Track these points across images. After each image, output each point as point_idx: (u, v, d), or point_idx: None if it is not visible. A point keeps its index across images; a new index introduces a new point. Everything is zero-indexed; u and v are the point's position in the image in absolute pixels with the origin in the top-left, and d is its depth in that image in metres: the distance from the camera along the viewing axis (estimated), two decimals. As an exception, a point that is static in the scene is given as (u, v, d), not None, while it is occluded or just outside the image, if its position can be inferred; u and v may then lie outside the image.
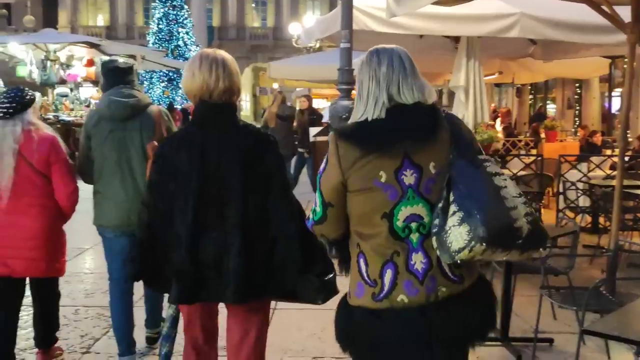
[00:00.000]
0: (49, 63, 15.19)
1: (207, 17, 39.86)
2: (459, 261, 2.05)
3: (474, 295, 2.19)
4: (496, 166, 2.15)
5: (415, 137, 2.14)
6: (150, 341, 4.24)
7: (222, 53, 2.79)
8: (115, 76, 3.86)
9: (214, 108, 2.72)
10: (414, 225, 2.12)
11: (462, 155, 2.14)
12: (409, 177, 2.12)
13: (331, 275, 2.74)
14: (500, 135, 11.43)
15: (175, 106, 24.00)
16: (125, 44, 22.09)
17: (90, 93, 17.94)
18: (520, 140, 11.73)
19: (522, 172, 8.02)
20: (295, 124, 11.46)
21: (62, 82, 16.13)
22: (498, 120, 14.16)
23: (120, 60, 4.27)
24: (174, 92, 30.23)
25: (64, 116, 14.89)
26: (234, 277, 2.60)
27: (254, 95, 53.03)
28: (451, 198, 2.08)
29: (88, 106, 17.01)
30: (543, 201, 8.69)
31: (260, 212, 2.67)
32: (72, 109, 16.02)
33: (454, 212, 2.05)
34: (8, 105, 3.58)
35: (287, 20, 41.20)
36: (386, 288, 2.14)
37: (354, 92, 7.19)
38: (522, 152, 10.47)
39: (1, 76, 16.80)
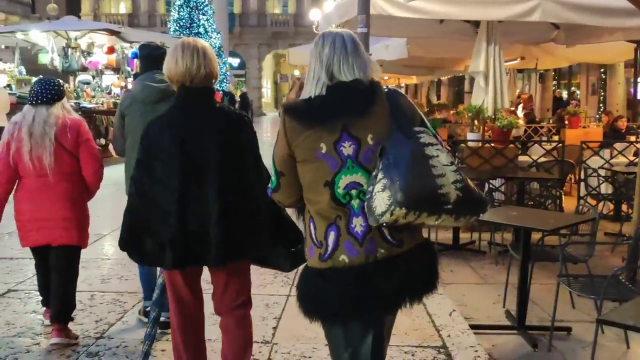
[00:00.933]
0: (70, 50, 15.27)
1: (228, 4, 39.73)
2: (383, 224, 2.23)
3: (412, 258, 2.34)
4: (431, 137, 2.28)
5: (352, 111, 2.32)
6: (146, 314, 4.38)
7: (202, 41, 3.04)
8: (149, 62, 4.25)
9: (194, 92, 2.98)
10: (354, 192, 2.29)
11: (399, 127, 2.30)
12: (347, 149, 2.30)
13: (300, 246, 2.90)
14: (521, 121, 11.28)
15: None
16: (145, 31, 22.17)
17: (112, 80, 17.97)
18: (542, 127, 11.56)
19: (543, 159, 7.90)
20: None
21: (84, 69, 16.19)
22: (520, 107, 13.96)
23: (154, 46, 4.51)
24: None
25: (85, 103, 14.96)
26: (214, 243, 2.88)
27: (275, 82, 53.03)
28: (380, 166, 2.24)
29: (109, 93, 17.08)
30: (564, 188, 8.56)
31: (236, 186, 2.94)
32: (93, 97, 16.09)
33: (380, 179, 2.21)
34: (49, 93, 4.06)
35: (308, 6, 41.00)
36: (330, 249, 2.33)
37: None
38: (544, 138, 10.33)
39: (24, 64, 16.91)
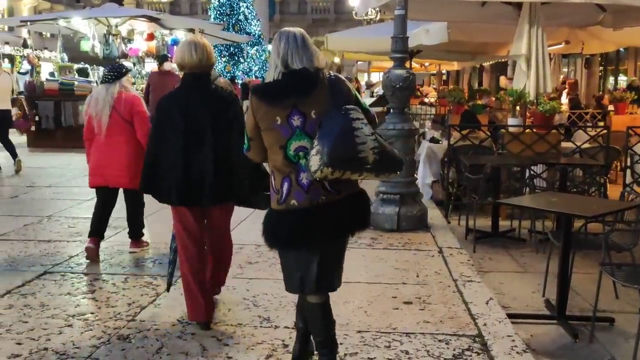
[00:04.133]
0: (110, 37, 15.39)
1: (268, -9, 39.71)
2: (317, 178, 2.95)
3: (347, 203, 3.10)
4: (359, 114, 2.97)
5: (300, 92, 3.03)
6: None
7: (204, 40, 4.06)
8: None
9: (198, 76, 4.00)
10: (301, 153, 3.01)
11: (335, 105, 2.99)
12: (296, 121, 3.01)
13: None
14: (565, 107, 10.96)
15: (236, 81, 24.06)
16: (184, 18, 22.29)
17: (152, 67, 18.08)
18: (586, 113, 11.22)
19: (587, 145, 7.64)
20: None
21: (124, 56, 16.29)
22: (565, 92, 13.58)
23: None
24: (235, 67, 30.34)
25: (125, 89, 15.08)
26: (208, 189, 3.92)
27: (315, 69, 52.80)
28: (317, 135, 2.94)
29: (148, 80, 17.17)
30: (609, 175, 8.27)
31: (225, 146, 3.91)
32: (133, 83, 16.18)
33: (314, 146, 2.93)
34: (110, 74, 5.42)
35: (348, -7, 40.70)
36: (284, 195, 3.07)
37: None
38: (588, 124, 10.00)
39: (67, 51, 17.16)
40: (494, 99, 12.19)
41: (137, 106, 5.43)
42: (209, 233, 4.17)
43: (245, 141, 3.23)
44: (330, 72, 3.20)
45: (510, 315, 4.32)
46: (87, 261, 5.52)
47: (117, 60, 15.90)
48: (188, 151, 3.90)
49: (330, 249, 3.17)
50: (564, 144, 7.75)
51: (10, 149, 10.85)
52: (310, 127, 3.00)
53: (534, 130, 7.56)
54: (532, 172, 7.09)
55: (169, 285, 4.50)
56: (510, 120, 7.92)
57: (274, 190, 3.13)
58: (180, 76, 4.22)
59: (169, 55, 12.34)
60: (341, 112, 2.94)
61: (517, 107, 7.87)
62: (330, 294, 3.28)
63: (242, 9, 30.51)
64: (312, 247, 3.09)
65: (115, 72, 5.43)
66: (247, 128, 3.18)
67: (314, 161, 2.89)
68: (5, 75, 11.65)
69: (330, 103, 3.00)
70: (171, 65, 11.18)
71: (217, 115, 3.92)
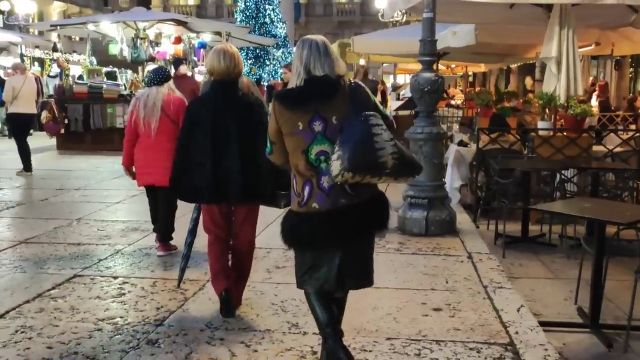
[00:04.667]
0: (138, 41, 15.51)
1: (294, -6, 39.76)
2: (338, 182, 3.08)
3: (367, 206, 3.21)
4: (378, 120, 3.09)
5: (321, 99, 3.15)
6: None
7: (234, 48, 4.28)
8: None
9: (226, 82, 4.21)
10: (322, 158, 3.14)
11: (355, 111, 3.11)
12: (317, 126, 3.14)
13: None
14: (595, 110, 10.80)
15: (262, 83, 24.12)
16: (211, 21, 22.38)
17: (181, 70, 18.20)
18: (617, 116, 11.04)
19: (619, 149, 7.51)
20: None
21: (151, 59, 16.41)
22: (594, 95, 13.38)
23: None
24: (260, 70, 30.41)
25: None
26: (235, 187, 4.16)
27: (341, 71, 52.77)
28: (337, 141, 3.07)
29: (177, 83, 17.28)
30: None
31: (250, 148, 4.12)
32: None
33: (335, 151, 3.06)
34: (158, 77, 5.65)
35: (374, -5, 40.66)
36: (305, 198, 3.21)
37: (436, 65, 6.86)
38: (620, 127, 9.84)
39: (95, 55, 17.33)
40: (521, 101, 12.06)
41: (183, 108, 5.53)
42: (234, 230, 4.38)
43: (268, 144, 3.36)
44: (350, 79, 3.38)
45: (542, 323, 4.25)
46: (116, 264, 5.56)
47: (146, 63, 16.06)
48: (216, 151, 4.15)
49: (351, 248, 3.28)
50: (595, 148, 7.63)
51: (25, 154, 10.94)
52: (331, 132, 3.12)
53: (565, 133, 7.44)
54: (563, 177, 6.98)
55: (180, 280, 4.81)
56: (540, 124, 7.81)
57: (295, 193, 3.26)
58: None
59: (183, 59, 12.26)
60: (361, 118, 3.06)
61: (547, 110, 7.75)
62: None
63: (267, 11, 30.54)
64: (332, 247, 3.23)
65: (162, 75, 5.69)
66: (270, 132, 3.31)
67: (335, 166, 3.02)
68: (30, 78, 11.80)
69: (351, 109, 3.12)
70: (186, 69, 11.13)
71: (242, 120, 4.18)
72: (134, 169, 5.81)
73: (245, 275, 4.50)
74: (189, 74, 15.78)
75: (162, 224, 5.90)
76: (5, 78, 11.39)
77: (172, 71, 11.78)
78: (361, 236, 3.29)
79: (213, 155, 4.14)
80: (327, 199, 3.16)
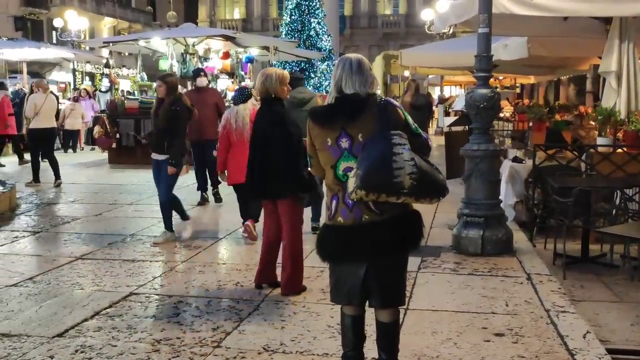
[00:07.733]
0: (188, 56, 15.71)
1: (338, 6, 39.83)
2: (354, 199, 3.15)
3: (391, 224, 3.21)
4: (401, 139, 3.11)
5: (348, 116, 3.24)
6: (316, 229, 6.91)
7: (277, 71, 5.24)
8: (295, 81, 6.91)
9: (267, 100, 5.22)
10: (349, 174, 3.20)
11: (380, 129, 3.15)
12: (344, 143, 3.24)
13: (313, 191, 5.15)
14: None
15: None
16: (259, 36, 22.53)
17: (226, 84, 18.36)
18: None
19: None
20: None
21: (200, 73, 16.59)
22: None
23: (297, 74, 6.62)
24: (305, 83, 30.52)
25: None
26: (273, 185, 5.12)
27: (385, 83, 52.63)
28: (358, 158, 3.16)
29: (224, 97, 17.44)
30: None
31: (283, 155, 5.06)
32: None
33: (353, 169, 3.16)
34: (242, 97, 6.91)
35: (419, 6, 40.46)
36: (332, 212, 3.33)
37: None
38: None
39: (146, 70, 17.63)
40: (574, 113, 11.77)
41: None
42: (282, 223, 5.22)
43: (308, 159, 3.60)
44: (382, 96, 3.44)
45: (610, 351, 4.07)
46: (170, 282, 5.58)
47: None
48: (256, 157, 5.21)
49: (379, 265, 3.27)
50: (658, 165, 7.36)
51: (54, 166, 11.40)
52: (357, 149, 3.20)
53: (626, 150, 7.21)
54: (625, 196, 6.75)
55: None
56: (599, 140, 7.59)
57: (327, 206, 3.40)
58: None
59: (203, 70, 11.18)
60: (384, 137, 3.11)
61: (607, 126, 7.53)
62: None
63: (313, 24, 30.66)
64: (354, 262, 3.28)
65: (245, 94, 6.96)
66: (307, 147, 3.50)
67: (350, 183, 3.13)
68: (51, 96, 12.42)
69: (377, 127, 3.17)
70: (204, 81, 10.31)
71: (278, 129, 5.09)
72: (226, 173, 6.91)
73: (292, 255, 5.23)
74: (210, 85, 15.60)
75: (246, 210, 7.18)
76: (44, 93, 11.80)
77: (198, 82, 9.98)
78: (382, 254, 3.25)
79: (256, 160, 5.28)
80: (350, 214, 3.23)
